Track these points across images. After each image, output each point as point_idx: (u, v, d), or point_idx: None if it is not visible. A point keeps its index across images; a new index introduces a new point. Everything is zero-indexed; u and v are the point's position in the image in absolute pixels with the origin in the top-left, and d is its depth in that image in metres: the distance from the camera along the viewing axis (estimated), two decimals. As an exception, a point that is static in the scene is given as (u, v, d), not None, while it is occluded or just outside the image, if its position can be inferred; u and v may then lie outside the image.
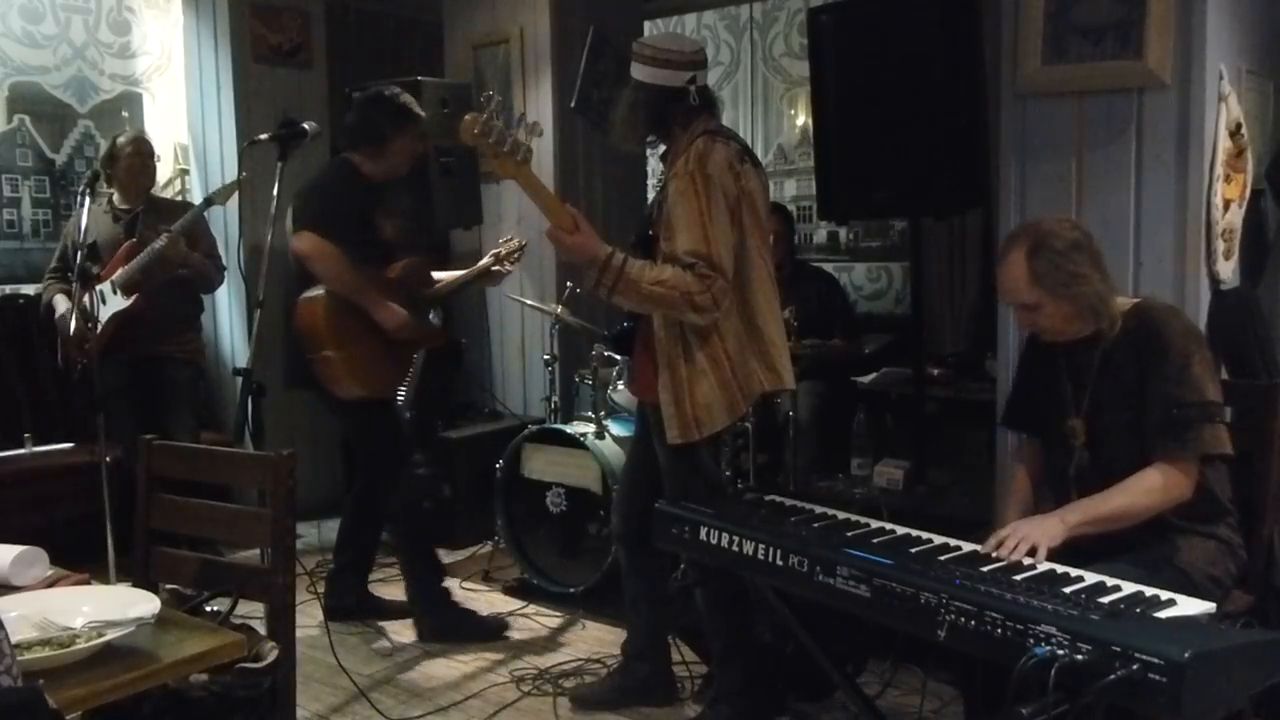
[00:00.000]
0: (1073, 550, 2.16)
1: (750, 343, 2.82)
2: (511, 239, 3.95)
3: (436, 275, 3.88)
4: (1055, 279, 2.28)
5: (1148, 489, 2.23)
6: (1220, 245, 3.05)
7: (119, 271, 4.25)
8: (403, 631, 3.85)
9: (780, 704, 3.07)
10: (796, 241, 5.32)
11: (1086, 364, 2.39)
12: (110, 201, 4.44)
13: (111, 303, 4.24)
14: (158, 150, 5.38)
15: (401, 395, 4.30)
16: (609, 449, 3.89)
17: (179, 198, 5.26)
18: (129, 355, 4.30)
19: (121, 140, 4.43)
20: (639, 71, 2.81)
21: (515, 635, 3.79)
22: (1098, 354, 2.37)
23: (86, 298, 4.09)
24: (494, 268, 3.87)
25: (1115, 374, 2.34)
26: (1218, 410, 2.28)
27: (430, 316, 3.94)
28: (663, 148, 2.93)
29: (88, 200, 3.76)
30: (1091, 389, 2.38)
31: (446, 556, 4.11)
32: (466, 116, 2.55)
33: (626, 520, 3.12)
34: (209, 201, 4.26)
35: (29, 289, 4.73)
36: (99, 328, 4.23)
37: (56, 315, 4.29)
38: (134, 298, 4.21)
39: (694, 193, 2.68)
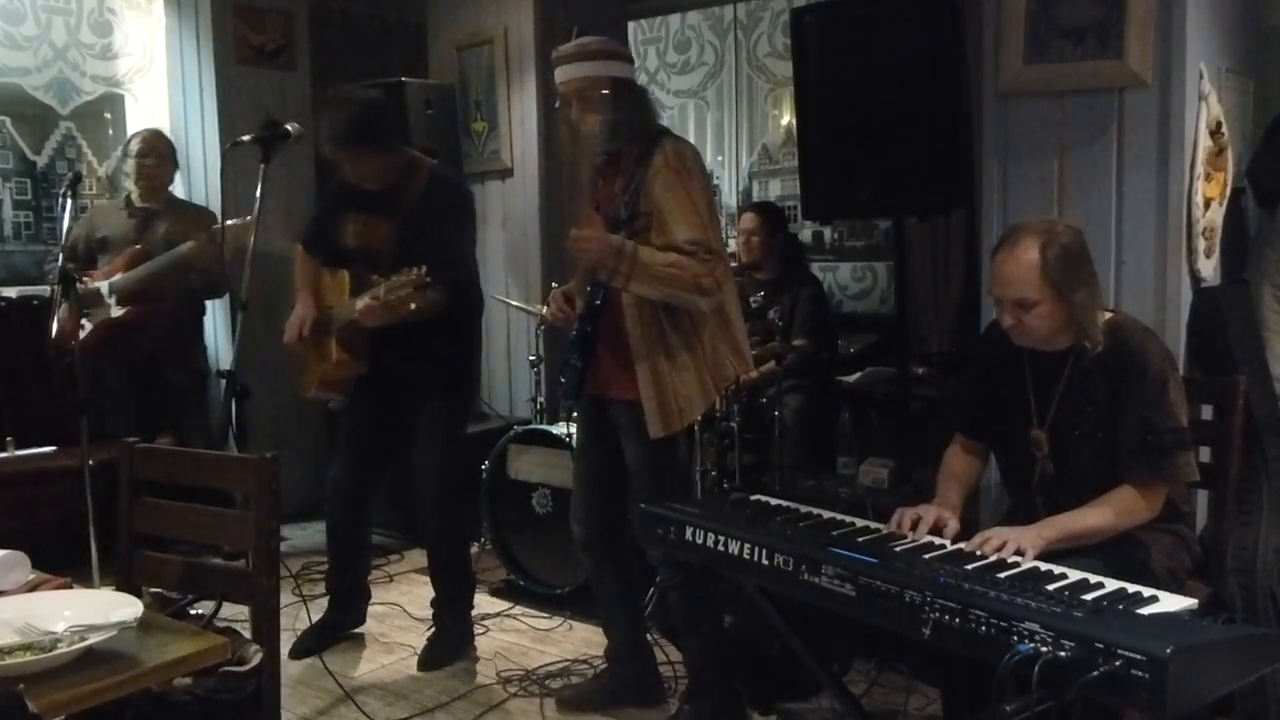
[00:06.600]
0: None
1: (720, 330, 2.88)
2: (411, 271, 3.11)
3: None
4: (1063, 278, 2.25)
5: (1125, 509, 2.27)
6: (1201, 243, 3.07)
7: (118, 276, 4.23)
8: (389, 634, 3.84)
9: (766, 703, 3.07)
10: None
11: (1054, 375, 2.38)
12: (128, 198, 4.45)
13: (107, 305, 4.23)
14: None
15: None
16: (595, 449, 3.88)
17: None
18: (126, 357, 4.29)
19: (135, 136, 4.48)
20: (618, 69, 2.85)
21: (502, 637, 3.79)
22: (1068, 367, 2.36)
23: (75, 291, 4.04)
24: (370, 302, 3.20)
25: (1087, 390, 2.34)
26: (1188, 437, 2.30)
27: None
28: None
29: (69, 202, 3.73)
30: (1058, 401, 2.38)
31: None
32: None
33: (590, 528, 3.09)
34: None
35: (10, 291, 4.70)
36: (88, 329, 4.22)
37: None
38: (127, 309, 4.20)
39: (682, 185, 2.76)
